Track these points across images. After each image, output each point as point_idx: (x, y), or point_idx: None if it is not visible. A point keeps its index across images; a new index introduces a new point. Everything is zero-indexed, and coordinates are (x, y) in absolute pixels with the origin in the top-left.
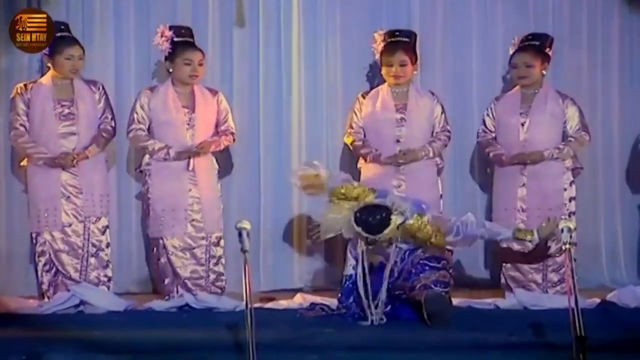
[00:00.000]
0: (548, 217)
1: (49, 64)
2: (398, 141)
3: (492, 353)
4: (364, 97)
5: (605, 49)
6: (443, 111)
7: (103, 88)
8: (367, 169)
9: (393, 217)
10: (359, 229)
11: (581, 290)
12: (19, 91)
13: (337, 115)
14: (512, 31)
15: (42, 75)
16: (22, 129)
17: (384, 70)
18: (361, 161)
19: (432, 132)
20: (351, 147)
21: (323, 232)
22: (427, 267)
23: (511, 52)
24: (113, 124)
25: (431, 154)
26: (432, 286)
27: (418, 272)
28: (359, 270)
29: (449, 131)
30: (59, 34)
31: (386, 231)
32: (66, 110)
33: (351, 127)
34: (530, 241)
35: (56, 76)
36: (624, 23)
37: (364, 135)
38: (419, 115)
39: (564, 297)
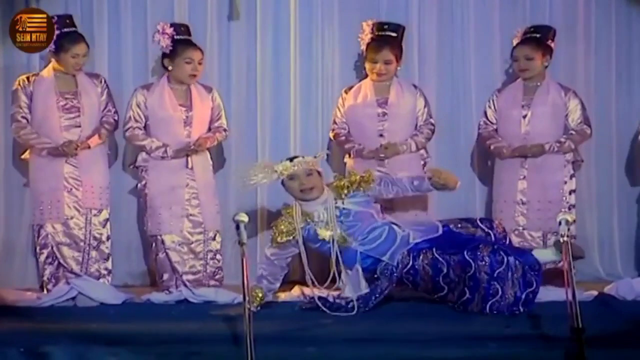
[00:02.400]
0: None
1: (53, 59)
2: (381, 135)
3: (489, 345)
4: (346, 93)
5: (601, 40)
6: (426, 104)
7: (105, 81)
8: (352, 164)
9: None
10: (282, 164)
11: (578, 283)
12: (20, 84)
13: (332, 109)
14: (508, 22)
15: (44, 67)
16: (24, 121)
17: (367, 66)
18: (347, 156)
19: (416, 126)
20: (335, 142)
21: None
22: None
23: (514, 44)
24: (116, 117)
25: (413, 148)
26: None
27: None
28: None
29: (432, 124)
30: (64, 30)
31: (305, 158)
32: (69, 103)
33: (335, 123)
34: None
35: (58, 69)
36: (620, 14)
37: (348, 130)
38: (400, 109)
39: (561, 289)
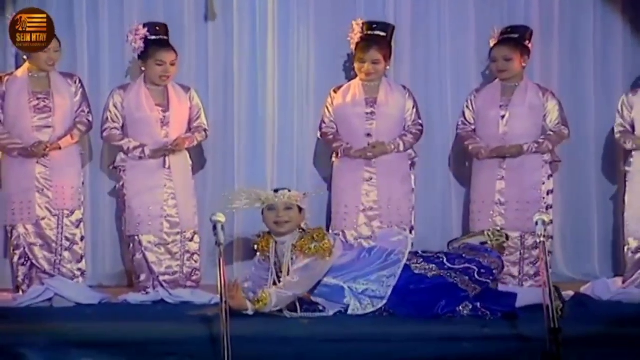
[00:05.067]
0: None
1: (25, 57)
2: (369, 135)
3: (465, 345)
4: (335, 92)
5: (578, 40)
6: (415, 105)
7: (80, 81)
8: (340, 163)
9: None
10: (265, 193)
11: (556, 284)
12: None
13: (310, 109)
14: (484, 23)
15: (18, 67)
16: None
17: (356, 65)
18: (334, 155)
19: (405, 126)
20: (324, 141)
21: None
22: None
23: (491, 44)
24: (90, 118)
25: (401, 148)
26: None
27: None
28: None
29: (421, 125)
30: None
31: (287, 192)
32: (42, 104)
33: (323, 122)
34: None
35: (32, 69)
36: (597, 13)
37: (337, 130)
38: (389, 109)
39: (539, 290)
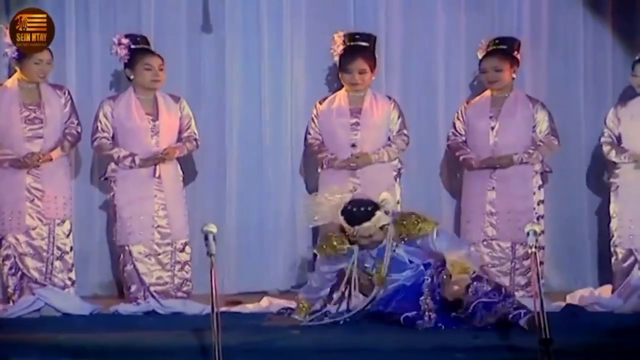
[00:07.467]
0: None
1: (17, 67)
2: (353, 145)
3: (458, 356)
4: (321, 103)
5: (568, 49)
6: (400, 116)
7: (69, 93)
8: (325, 174)
9: (377, 213)
10: (342, 219)
11: (547, 294)
12: None
13: (301, 119)
14: (475, 34)
15: (8, 78)
16: None
17: (343, 76)
18: (320, 166)
19: (389, 137)
20: (309, 152)
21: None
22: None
23: (480, 56)
24: (79, 129)
25: (385, 158)
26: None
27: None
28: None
29: (406, 135)
30: None
31: (365, 224)
32: (32, 114)
33: (309, 133)
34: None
35: (22, 80)
36: (587, 23)
37: (322, 141)
38: (374, 119)
39: (530, 300)
